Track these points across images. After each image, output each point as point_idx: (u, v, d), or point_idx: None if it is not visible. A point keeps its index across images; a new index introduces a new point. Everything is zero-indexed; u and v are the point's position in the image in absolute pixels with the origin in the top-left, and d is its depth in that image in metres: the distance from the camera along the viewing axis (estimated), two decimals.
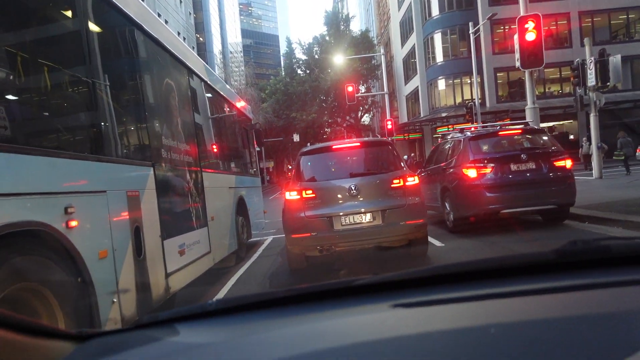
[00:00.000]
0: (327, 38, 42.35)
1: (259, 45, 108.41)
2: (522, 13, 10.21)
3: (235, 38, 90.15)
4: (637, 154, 19.95)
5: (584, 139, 19.94)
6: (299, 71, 44.13)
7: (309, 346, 0.75)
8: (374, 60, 40.42)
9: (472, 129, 9.46)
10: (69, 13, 3.22)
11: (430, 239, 6.49)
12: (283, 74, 45.56)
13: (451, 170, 8.08)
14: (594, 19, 29.26)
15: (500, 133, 8.09)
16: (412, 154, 35.15)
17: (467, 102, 23.94)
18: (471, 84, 26.73)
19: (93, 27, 3.37)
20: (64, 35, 3.23)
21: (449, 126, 26.70)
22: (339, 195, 5.39)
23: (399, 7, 39.84)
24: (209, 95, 6.64)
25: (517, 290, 0.85)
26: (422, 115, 33.78)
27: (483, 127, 10.03)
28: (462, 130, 8.87)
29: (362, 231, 5.28)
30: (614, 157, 16.64)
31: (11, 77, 2.52)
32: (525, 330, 0.71)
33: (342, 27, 42.67)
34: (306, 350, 0.73)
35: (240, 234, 7.25)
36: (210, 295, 5.29)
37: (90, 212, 2.94)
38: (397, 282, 0.97)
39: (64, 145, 3.02)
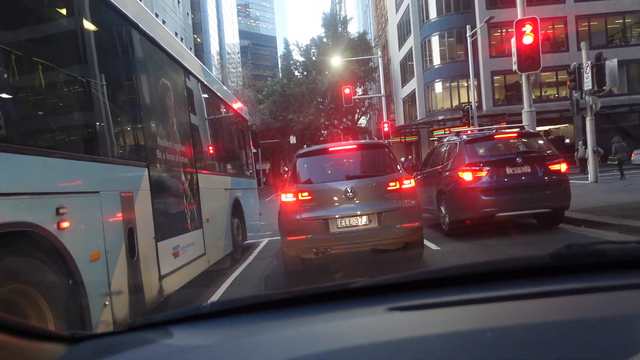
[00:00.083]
0: (325, 40, 42.45)
1: (256, 47, 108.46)
2: (519, 16, 10.25)
3: (232, 39, 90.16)
4: (632, 158, 20.08)
5: (580, 142, 20.04)
6: (296, 73, 44.20)
7: (304, 349, 0.74)
8: (371, 62, 40.53)
9: (469, 132, 9.49)
10: (65, 12, 3.19)
11: (426, 242, 6.48)
12: (280, 75, 45.66)
13: (447, 173, 8.09)
14: (591, 23, 29.44)
15: (496, 136, 8.14)
16: (410, 157, 35.21)
17: (463, 105, 23.99)
18: (468, 87, 26.76)
19: (89, 26, 3.34)
20: (59, 34, 3.20)
21: (446, 129, 26.80)
22: (335, 198, 5.37)
23: (397, 10, 39.96)
24: (206, 96, 6.61)
25: (513, 294, 0.85)
26: (418, 118, 33.85)
27: (480, 130, 10.05)
28: (458, 134, 8.90)
29: (358, 234, 5.26)
30: (608, 162, 16.74)
31: (4, 76, 2.49)
32: (521, 333, 0.71)
33: (340, 29, 42.77)
34: (301, 353, 0.72)
35: (235, 236, 7.21)
36: (205, 298, 5.25)
37: (83, 213, 2.90)
38: (393, 285, 0.97)
39: (56, 145, 2.98)
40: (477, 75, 27.06)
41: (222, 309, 0.99)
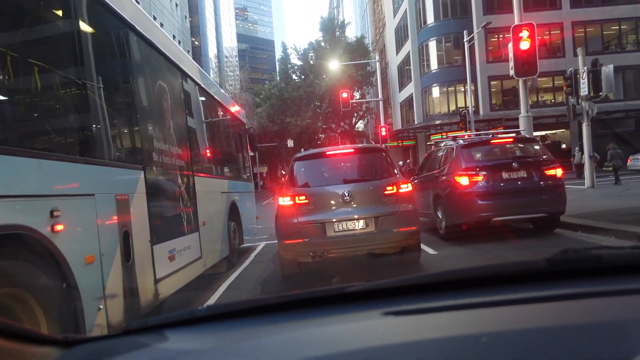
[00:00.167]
0: (323, 44, 42.53)
1: (254, 50, 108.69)
2: (516, 22, 10.31)
3: (230, 42, 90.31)
4: (629, 163, 20.18)
5: (577, 148, 20.14)
6: (294, 76, 44.25)
7: (299, 353, 0.74)
8: (368, 66, 40.64)
9: (466, 136, 9.53)
10: (63, 14, 3.18)
11: (423, 247, 6.48)
12: (278, 79, 45.64)
13: (444, 177, 8.11)
14: (587, 30, 29.65)
15: (492, 141, 8.20)
16: (408, 160, 35.28)
17: (461, 109, 24.09)
18: (465, 92, 26.88)
19: (87, 29, 3.33)
20: (56, 36, 3.18)
21: (443, 134, 26.86)
22: (332, 202, 5.37)
23: (395, 15, 40.15)
24: (203, 98, 6.60)
25: (509, 298, 0.85)
26: (416, 123, 33.95)
27: (477, 135, 10.09)
28: (454, 138, 8.94)
29: (355, 238, 5.26)
30: (604, 168, 16.85)
31: (0, 78, 2.47)
32: (517, 339, 0.71)
33: (338, 33, 42.87)
34: (296, 357, 0.72)
35: (232, 240, 7.19)
36: (201, 302, 5.22)
37: (77, 215, 2.88)
38: (389, 290, 0.96)
39: (51, 147, 2.96)
40: (474, 80, 27.21)
41: (217, 313, 0.98)
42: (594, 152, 15.16)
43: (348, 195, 5.30)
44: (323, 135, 45.64)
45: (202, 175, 5.87)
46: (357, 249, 5.44)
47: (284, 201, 5.43)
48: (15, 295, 2.28)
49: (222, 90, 8.51)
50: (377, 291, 0.95)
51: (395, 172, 5.79)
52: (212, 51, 71.21)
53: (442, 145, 9.21)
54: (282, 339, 0.82)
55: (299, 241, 5.26)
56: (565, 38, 29.04)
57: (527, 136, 9.31)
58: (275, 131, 42.50)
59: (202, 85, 6.50)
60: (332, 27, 42.63)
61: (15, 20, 2.68)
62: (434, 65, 32.25)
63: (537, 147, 8.14)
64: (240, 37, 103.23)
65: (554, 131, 29.98)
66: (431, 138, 29.55)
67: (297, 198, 5.37)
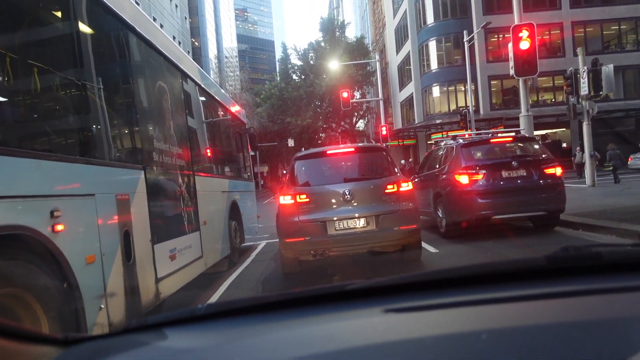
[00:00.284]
0: (323, 44, 42.52)
1: (254, 51, 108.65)
2: (516, 22, 10.31)
3: (230, 43, 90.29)
4: (629, 162, 20.17)
5: (578, 148, 20.13)
6: (294, 76, 44.24)
7: (299, 351, 0.74)
8: (369, 66, 40.63)
9: (466, 135, 9.54)
10: (62, 15, 3.18)
11: (423, 245, 6.48)
12: (278, 79, 45.63)
13: (444, 176, 8.12)
14: (587, 29, 29.61)
15: (492, 140, 8.22)
16: (411, 159, 35.26)
17: (461, 109, 24.07)
18: (465, 92, 26.87)
19: (86, 30, 3.33)
20: (56, 37, 3.18)
21: (443, 133, 26.85)
22: (333, 200, 5.37)
23: (394, 15, 40.12)
24: (203, 98, 6.60)
25: (509, 296, 0.85)
26: (416, 122, 33.93)
27: (477, 134, 10.09)
28: (454, 137, 8.96)
29: (356, 236, 5.26)
30: (604, 168, 16.87)
31: (0, 79, 2.47)
32: (517, 336, 0.71)
33: (338, 33, 42.86)
34: (297, 355, 0.72)
35: (233, 239, 7.19)
36: (202, 301, 5.22)
37: (78, 216, 2.88)
38: (390, 287, 0.96)
39: (51, 148, 2.96)
40: (474, 79, 27.19)
41: (217, 311, 0.98)
42: (595, 151, 15.16)
43: (349, 194, 5.31)
44: (323, 135, 45.63)
45: (202, 174, 5.87)
46: (358, 247, 5.44)
47: (285, 200, 5.43)
48: (17, 295, 2.28)
49: (222, 91, 8.51)
50: (377, 289, 0.95)
51: (396, 171, 5.80)
52: (212, 52, 71.20)
53: (442, 144, 9.23)
54: (283, 337, 0.82)
55: (300, 239, 5.27)
56: (565, 38, 29.02)
57: (527, 135, 9.33)
58: (276, 131, 42.50)
59: (202, 86, 6.51)
60: (332, 28, 42.62)
61: (16, 22, 2.68)
62: (434, 65, 32.22)
63: (536, 146, 8.18)
64: (240, 38, 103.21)
65: (554, 130, 29.95)
66: (432, 137, 29.54)
67: (298, 197, 5.38)
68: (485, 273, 0.98)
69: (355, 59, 37.23)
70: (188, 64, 5.95)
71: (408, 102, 37.63)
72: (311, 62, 42.48)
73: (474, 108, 21.82)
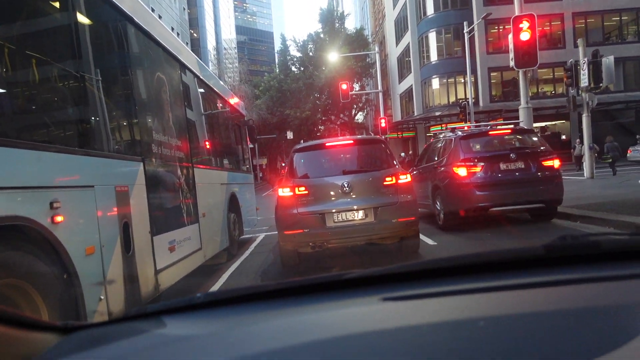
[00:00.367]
0: (322, 35, 42.26)
1: (253, 42, 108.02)
2: (517, 13, 10.24)
3: (229, 34, 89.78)
4: (628, 155, 20.17)
5: (577, 140, 20.12)
6: (293, 68, 44.02)
7: (297, 338, 0.74)
8: (368, 58, 40.42)
9: (466, 128, 9.54)
10: (60, 6, 3.17)
11: (422, 237, 6.50)
12: (277, 70, 45.41)
13: (442, 168, 8.13)
14: (588, 20, 29.46)
15: (490, 133, 8.23)
16: (411, 152, 35.23)
17: (460, 101, 24.01)
18: (465, 83, 26.78)
19: (85, 20, 3.32)
20: (54, 27, 3.17)
21: (443, 125, 26.80)
22: (332, 192, 5.38)
23: (394, 6, 39.85)
24: (202, 90, 6.58)
25: (507, 284, 0.85)
26: (415, 114, 33.85)
27: (476, 126, 10.09)
28: (453, 130, 8.96)
29: (355, 228, 5.28)
30: (602, 160, 16.90)
31: None
32: (514, 323, 0.71)
33: (337, 24, 42.57)
34: (294, 342, 0.72)
35: (232, 231, 7.21)
36: (201, 292, 5.24)
37: (77, 207, 2.89)
38: (387, 276, 0.96)
39: (50, 139, 2.96)
40: (474, 71, 27.10)
41: (216, 300, 0.98)
42: (594, 143, 15.16)
43: (347, 186, 5.32)
44: (322, 127, 45.51)
45: (201, 166, 5.87)
46: (356, 239, 5.46)
47: (284, 192, 5.44)
48: (17, 285, 2.30)
49: (221, 82, 8.48)
50: (375, 278, 0.96)
51: (394, 163, 5.80)
52: (210, 43, 70.82)
53: (441, 136, 9.23)
54: (281, 324, 0.82)
55: (298, 232, 5.29)
56: (565, 29, 28.87)
57: (525, 127, 9.33)
58: (275, 123, 42.38)
59: (201, 77, 6.48)
60: (331, 19, 42.33)
61: (13, 13, 2.67)
62: (433, 56, 32.08)
63: (535, 138, 8.18)
64: (239, 29, 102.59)
65: (554, 122, 29.90)
66: (431, 129, 29.51)
67: (297, 189, 5.39)
68: (484, 262, 0.98)
69: (355, 51, 37.03)
70: (187, 56, 5.92)
71: (407, 94, 37.51)
72: (310, 53, 42.26)
73: (473, 100, 21.76)
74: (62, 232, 2.61)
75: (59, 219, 2.59)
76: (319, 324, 0.79)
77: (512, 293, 0.83)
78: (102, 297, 3.06)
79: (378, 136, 14.55)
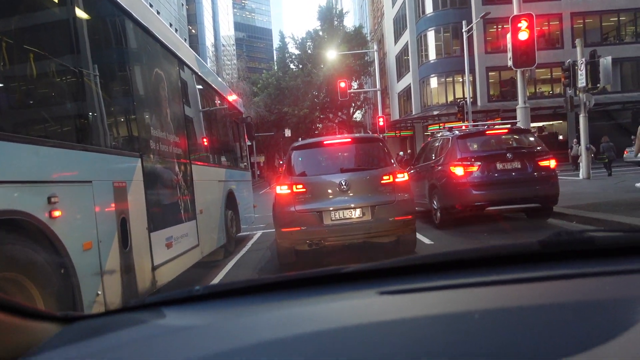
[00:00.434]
0: (321, 33, 42.22)
1: (251, 39, 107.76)
2: (515, 12, 10.27)
3: (227, 31, 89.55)
4: (624, 155, 20.24)
5: (574, 140, 20.18)
6: (291, 66, 43.98)
7: (294, 329, 0.75)
8: (367, 56, 40.40)
9: (463, 127, 9.56)
10: (58, 1, 3.16)
11: (419, 236, 6.52)
12: (276, 68, 45.37)
13: (439, 167, 8.16)
14: (586, 21, 29.51)
15: (487, 132, 8.27)
16: (409, 151, 35.25)
17: (458, 100, 24.04)
18: (463, 83, 26.84)
19: (83, 15, 3.31)
20: (52, 22, 3.16)
21: (441, 124, 26.84)
22: (330, 190, 5.40)
23: (393, 4, 39.81)
24: (200, 87, 6.58)
25: (502, 279, 0.86)
26: (414, 113, 33.86)
27: (474, 126, 10.11)
28: (450, 129, 8.99)
29: (352, 226, 5.30)
30: (598, 160, 16.98)
31: None
32: (509, 315, 0.72)
33: (336, 22, 42.54)
34: (292, 333, 0.73)
35: (229, 228, 7.21)
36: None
37: (75, 202, 2.89)
38: (385, 271, 0.97)
39: (48, 134, 2.96)
40: (472, 70, 27.10)
41: (215, 292, 0.99)
42: (590, 144, 15.22)
43: (345, 184, 5.33)
44: (320, 125, 45.49)
45: (199, 163, 5.87)
46: (353, 237, 5.48)
47: (282, 190, 5.45)
48: (14, 279, 2.30)
49: (219, 79, 8.47)
50: (373, 272, 0.96)
51: (392, 161, 5.82)
52: (209, 40, 70.63)
53: (438, 135, 9.25)
54: (279, 316, 0.83)
55: (296, 229, 5.30)
56: (564, 29, 28.92)
57: (522, 127, 9.37)
58: (273, 121, 42.32)
59: (200, 74, 6.48)
60: (330, 16, 42.30)
61: (11, 7, 2.66)
62: (432, 55, 32.09)
63: (531, 138, 8.22)
64: (238, 26, 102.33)
65: (551, 122, 29.97)
66: (429, 128, 29.55)
67: (294, 187, 5.40)
68: (480, 257, 0.99)
69: (353, 49, 37.02)
70: (185, 52, 5.91)
71: (406, 93, 37.52)
72: (309, 51, 42.21)
73: (471, 99, 21.79)
74: (59, 226, 2.61)
75: (56, 213, 2.59)
76: (317, 316, 0.80)
77: (507, 287, 0.84)
78: (99, 292, 3.06)
79: (376, 135, 14.58)
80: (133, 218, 3.66)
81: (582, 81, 13.76)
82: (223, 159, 7.69)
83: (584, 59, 13.72)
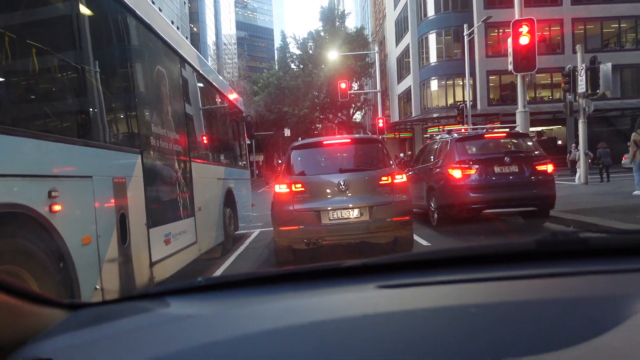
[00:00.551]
0: (322, 34, 42.24)
1: (253, 38, 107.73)
2: (517, 17, 10.29)
3: (229, 30, 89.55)
4: (622, 161, 20.29)
5: (573, 145, 20.23)
6: (292, 66, 43.98)
7: (294, 320, 0.77)
8: (368, 58, 40.43)
9: (463, 130, 9.60)
10: None
11: (416, 237, 6.54)
12: (276, 67, 45.35)
13: (437, 170, 8.20)
14: (587, 27, 29.60)
15: (486, 136, 8.30)
16: (409, 152, 35.28)
17: (458, 103, 24.09)
18: (463, 86, 26.90)
19: (85, 11, 3.32)
20: (54, 18, 3.17)
21: (440, 127, 26.88)
22: (328, 190, 5.42)
23: (395, 6, 39.87)
24: (201, 85, 6.59)
25: (499, 275, 0.88)
26: (413, 115, 33.91)
27: (473, 129, 10.14)
28: (449, 132, 9.02)
29: (349, 226, 5.32)
30: (594, 165, 17.02)
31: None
32: (504, 310, 0.74)
33: (338, 23, 42.55)
34: (293, 323, 0.75)
35: (227, 226, 7.22)
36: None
37: (75, 197, 2.90)
38: (383, 266, 0.99)
39: (49, 129, 2.97)
40: (472, 74, 27.14)
41: (217, 283, 1.02)
42: (587, 150, 15.27)
43: (343, 185, 5.35)
44: (320, 126, 45.49)
45: (198, 161, 5.88)
46: (351, 237, 5.50)
47: (281, 188, 5.48)
48: (13, 272, 2.32)
49: (220, 77, 8.48)
50: (372, 267, 0.99)
51: (391, 163, 5.85)
52: (210, 38, 70.62)
53: (437, 138, 9.29)
54: (279, 307, 0.85)
55: (294, 228, 5.32)
56: (564, 34, 29.00)
57: (520, 131, 9.41)
58: (273, 120, 42.31)
59: (201, 72, 6.49)
60: (332, 17, 42.31)
61: (14, 3, 2.68)
62: (433, 58, 32.14)
63: (529, 142, 8.25)
64: (240, 25, 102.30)
65: (550, 127, 30.07)
66: (428, 131, 29.57)
67: (293, 186, 5.42)
68: (478, 254, 1.01)
69: (355, 50, 37.04)
70: (187, 50, 5.93)
71: (406, 95, 37.57)
72: (310, 51, 42.22)
73: (471, 103, 21.82)
74: (59, 221, 2.62)
75: (56, 207, 2.61)
76: (316, 307, 0.83)
77: (503, 283, 0.86)
78: (97, 287, 3.07)
79: (375, 136, 14.61)
80: (132, 214, 3.67)
81: (582, 87, 13.81)
82: (222, 157, 7.70)
83: (584, 65, 13.76)
